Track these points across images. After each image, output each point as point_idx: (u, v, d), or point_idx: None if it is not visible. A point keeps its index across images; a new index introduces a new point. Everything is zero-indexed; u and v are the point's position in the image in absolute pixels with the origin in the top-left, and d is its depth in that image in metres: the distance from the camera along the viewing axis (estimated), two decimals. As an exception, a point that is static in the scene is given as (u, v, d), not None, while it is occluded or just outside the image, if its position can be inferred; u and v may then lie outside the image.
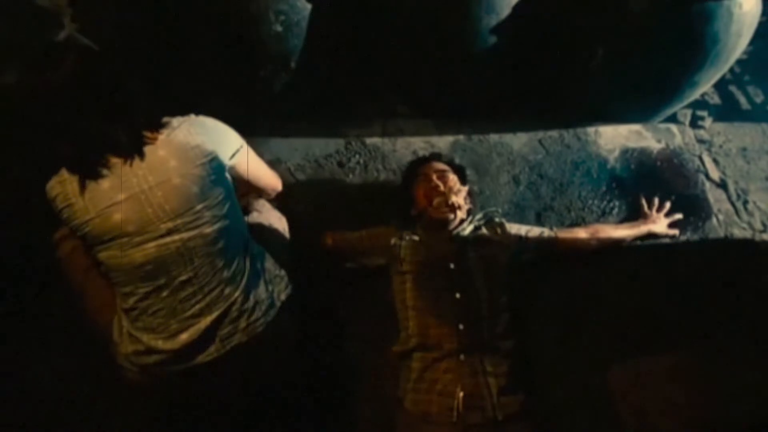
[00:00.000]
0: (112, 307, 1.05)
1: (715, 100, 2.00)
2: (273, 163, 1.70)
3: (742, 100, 2.01)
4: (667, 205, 1.55)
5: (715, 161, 1.76)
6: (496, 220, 1.40)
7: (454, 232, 1.33)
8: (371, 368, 1.31)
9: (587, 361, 1.31)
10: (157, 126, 0.99)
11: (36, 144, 1.11)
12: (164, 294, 0.98)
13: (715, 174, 1.72)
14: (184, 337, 0.98)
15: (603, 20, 1.53)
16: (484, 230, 1.37)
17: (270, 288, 1.10)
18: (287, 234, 1.35)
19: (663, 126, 1.84)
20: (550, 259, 1.43)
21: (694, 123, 1.87)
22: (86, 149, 0.94)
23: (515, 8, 1.50)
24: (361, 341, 1.36)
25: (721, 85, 2.00)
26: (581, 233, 1.43)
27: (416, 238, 1.34)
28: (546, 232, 1.41)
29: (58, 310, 1.31)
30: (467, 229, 1.35)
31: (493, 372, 1.14)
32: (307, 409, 1.24)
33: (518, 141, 1.79)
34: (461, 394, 1.10)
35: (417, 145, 1.79)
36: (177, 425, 1.20)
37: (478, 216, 1.41)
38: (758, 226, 1.60)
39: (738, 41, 1.46)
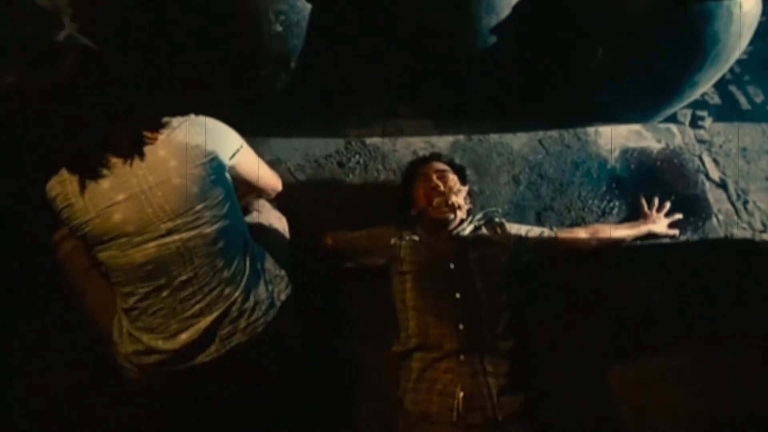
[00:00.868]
0: (112, 307, 1.05)
1: (715, 100, 2.00)
2: (273, 163, 1.69)
3: (742, 100, 2.01)
4: (667, 205, 1.55)
5: (715, 161, 1.76)
6: (496, 220, 1.40)
7: (454, 232, 1.33)
8: (371, 368, 1.31)
9: (587, 361, 1.31)
10: (157, 126, 0.99)
11: (36, 144, 1.11)
12: (164, 294, 0.98)
13: (715, 174, 1.72)
14: (184, 337, 0.98)
15: (603, 20, 1.53)
16: (484, 230, 1.37)
17: (270, 288, 1.10)
18: (287, 234, 1.35)
19: (663, 126, 1.84)
20: (550, 259, 1.43)
21: (694, 123, 1.87)
22: (86, 149, 0.94)
23: (515, 8, 1.50)
24: (361, 341, 1.36)
25: (721, 85, 1.99)
26: (581, 233, 1.43)
27: (416, 238, 1.34)
28: (546, 232, 1.41)
29: (58, 310, 1.32)
30: (467, 229, 1.35)
31: (493, 372, 1.14)
32: (307, 408, 1.24)
33: (518, 141, 1.79)
34: (461, 394, 1.10)
35: (417, 145, 1.79)
36: (177, 425, 1.20)
37: (478, 216, 1.41)
38: (758, 226, 1.60)
39: (738, 41, 1.46)
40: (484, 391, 1.11)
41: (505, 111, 1.83)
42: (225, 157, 1.04)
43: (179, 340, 0.98)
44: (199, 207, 0.96)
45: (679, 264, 1.47)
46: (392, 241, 1.35)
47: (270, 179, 1.26)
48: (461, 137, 1.80)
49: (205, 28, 1.51)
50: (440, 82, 1.75)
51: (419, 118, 1.87)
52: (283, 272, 1.17)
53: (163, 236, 0.95)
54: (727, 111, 1.95)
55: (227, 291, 1.01)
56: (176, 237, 0.96)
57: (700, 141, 1.82)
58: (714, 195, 1.66)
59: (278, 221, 1.34)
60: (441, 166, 1.45)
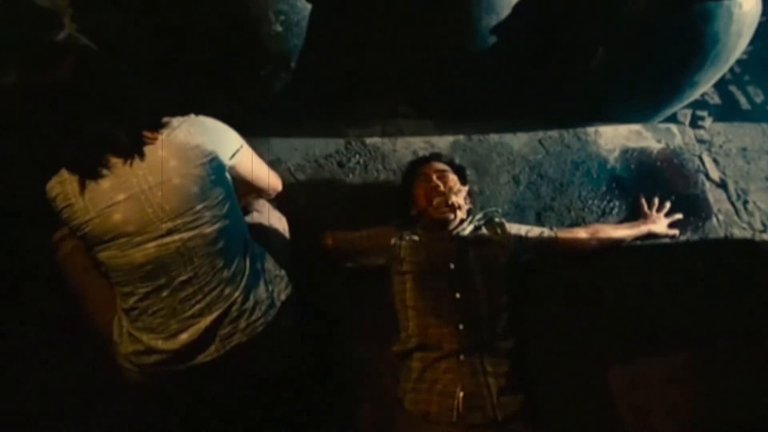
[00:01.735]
0: (112, 307, 1.05)
1: (715, 100, 2.00)
2: (273, 163, 1.70)
3: (742, 100, 2.01)
4: (667, 205, 1.55)
5: (715, 161, 1.76)
6: (496, 220, 1.40)
7: (454, 232, 1.33)
8: (371, 368, 1.31)
9: (587, 361, 1.31)
10: (157, 126, 0.99)
11: (36, 144, 1.11)
12: (164, 294, 0.98)
13: (715, 174, 1.72)
14: (184, 337, 0.98)
15: (603, 20, 1.53)
16: (484, 230, 1.37)
17: (270, 288, 1.10)
18: (287, 234, 1.35)
19: (663, 126, 1.84)
20: (550, 259, 1.43)
21: (694, 123, 1.87)
22: (86, 149, 0.94)
23: (515, 8, 1.50)
24: (361, 341, 1.36)
25: (721, 85, 1.99)
26: (581, 233, 1.43)
27: (416, 238, 1.34)
28: (546, 232, 1.41)
29: (58, 310, 1.31)
30: (467, 229, 1.35)
31: (493, 372, 1.14)
32: (307, 408, 1.24)
33: (518, 141, 1.79)
34: (461, 394, 1.10)
35: (417, 145, 1.79)
36: (177, 425, 1.20)
37: (478, 216, 1.41)
38: (758, 226, 1.60)
39: (738, 41, 1.46)
40: (484, 391, 1.11)
41: (505, 111, 1.83)
42: (225, 157, 1.04)
43: (179, 340, 0.98)
44: (199, 207, 0.96)
45: (679, 264, 1.47)
46: (392, 241, 1.35)
47: (270, 179, 1.26)
48: (461, 137, 1.80)
49: (205, 28, 1.51)
50: (440, 82, 1.75)
51: (419, 118, 1.87)
52: (283, 272, 1.17)
53: (163, 236, 0.95)
54: (727, 111, 1.95)
55: (227, 291, 1.01)
56: (176, 237, 0.96)
57: (700, 141, 1.82)
58: (714, 195, 1.66)
59: (278, 221, 1.34)
60: (441, 166, 1.45)
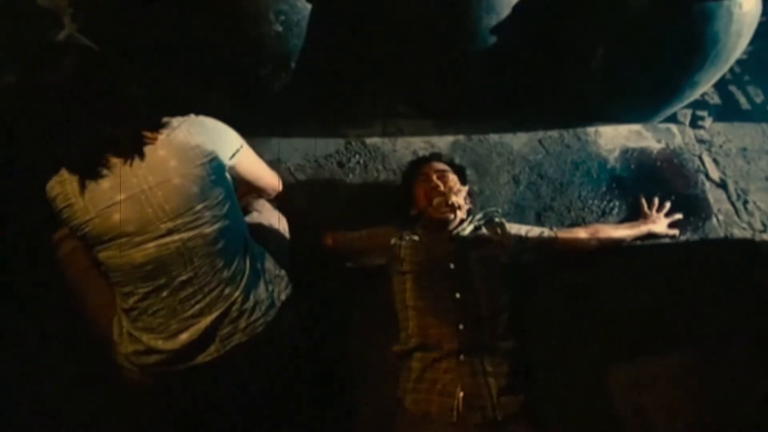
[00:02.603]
0: (112, 307, 1.05)
1: (715, 100, 2.00)
2: (273, 163, 1.69)
3: (742, 100, 2.01)
4: (667, 205, 1.55)
5: (715, 161, 1.76)
6: (496, 220, 1.40)
7: (454, 232, 1.33)
8: (371, 368, 1.31)
9: (587, 362, 1.31)
10: (157, 126, 0.99)
11: (36, 144, 1.11)
12: (164, 294, 0.98)
13: (715, 174, 1.72)
14: (184, 337, 0.98)
15: (603, 20, 1.53)
16: (484, 230, 1.37)
17: (270, 288, 1.10)
18: (287, 234, 1.35)
19: (663, 126, 1.84)
20: (550, 259, 1.43)
21: (694, 123, 1.87)
22: (86, 149, 0.94)
23: (515, 8, 1.50)
24: (361, 341, 1.36)
25: (721, 85, 1.99)
26: (581, 233, 1.43)
27: (416, 238, 1.34)
28: (546, 232, 1.41)
29: (58, 310, 1.31)
30: (467, 229, 1.35)
31: (493, 372, 1.14)
32: (308, 409, 1.24)
33: (518, 141, 1.79)
34: (461, 394, 1.10)
35: (417, 145, 1.79)
36: (177, 425, 1.20)
37: (478, 216, 1.41)
38: (758, 226, 1.60)
39: (738, 41, 1.46)
40: (484, 391, 1.11)
41: (505, 111, 1.83)
42: (225, 157, 1.04)
43: (179, 340, 0.98)
44: (199, 207, 0.96)
45: (679, 264, 1.47)
46: (392, 241, 1.35)
47: (270, 179, 1.26)
48: (461, 137, 1.80)
49: (205, 28, 1.51)
50: (440, 82, 1.75)
51: (419, 118, 1.87)
52: (283, 272, 1.17)
53: (163, 236, 0.95)
54: (727, 111, 1.95)
55: (227, 291, 1.01)
56: (176, 237, 0.96)
57: (700, 141, 1.82)
58: (714, 195, 1.65)
59: (278, 221, 1.34)
60: (441, 166, 1.45)
